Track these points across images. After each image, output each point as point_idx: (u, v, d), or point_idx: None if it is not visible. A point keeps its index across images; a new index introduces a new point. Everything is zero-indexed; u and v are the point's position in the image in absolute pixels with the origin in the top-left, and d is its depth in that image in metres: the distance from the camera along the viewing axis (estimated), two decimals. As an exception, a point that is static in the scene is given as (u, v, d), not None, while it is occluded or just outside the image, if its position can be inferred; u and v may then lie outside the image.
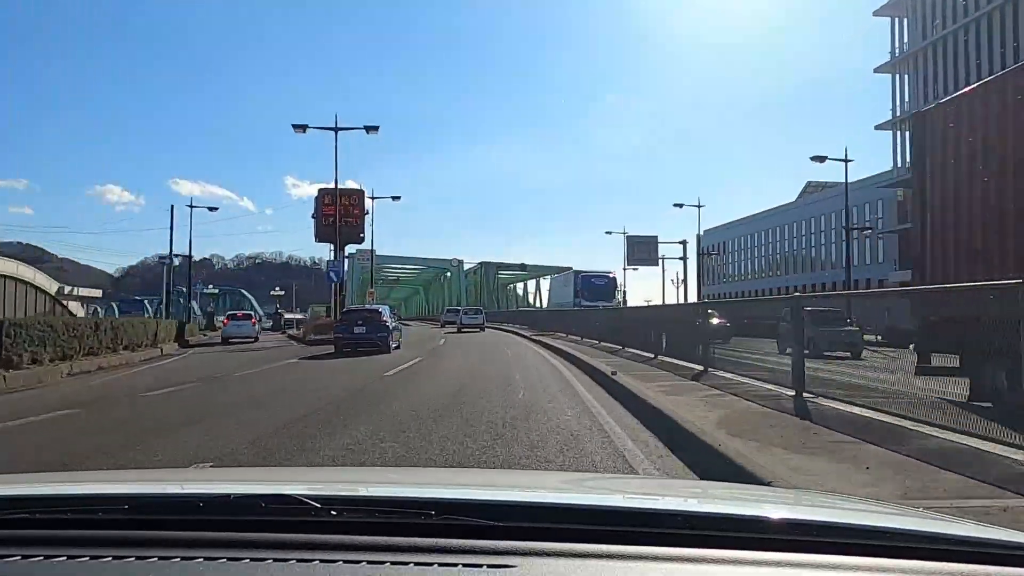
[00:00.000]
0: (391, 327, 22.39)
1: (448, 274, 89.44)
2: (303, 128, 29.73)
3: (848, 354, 11.06)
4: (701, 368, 11.58)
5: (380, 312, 23.10)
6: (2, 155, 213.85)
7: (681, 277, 58.01)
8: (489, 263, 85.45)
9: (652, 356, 15.30)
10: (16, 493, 1.42)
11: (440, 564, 1.03)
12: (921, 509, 1.84)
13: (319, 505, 1.17)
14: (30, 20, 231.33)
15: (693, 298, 50.05)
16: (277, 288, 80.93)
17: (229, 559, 1.05)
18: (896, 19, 46.42)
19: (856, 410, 6.85)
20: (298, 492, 1.24)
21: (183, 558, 1.06)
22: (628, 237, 58.95)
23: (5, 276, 40.05)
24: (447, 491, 1.52)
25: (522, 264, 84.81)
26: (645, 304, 43.18)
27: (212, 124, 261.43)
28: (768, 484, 4.13)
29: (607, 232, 63.53)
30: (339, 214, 34.34)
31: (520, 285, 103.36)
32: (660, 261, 61.40)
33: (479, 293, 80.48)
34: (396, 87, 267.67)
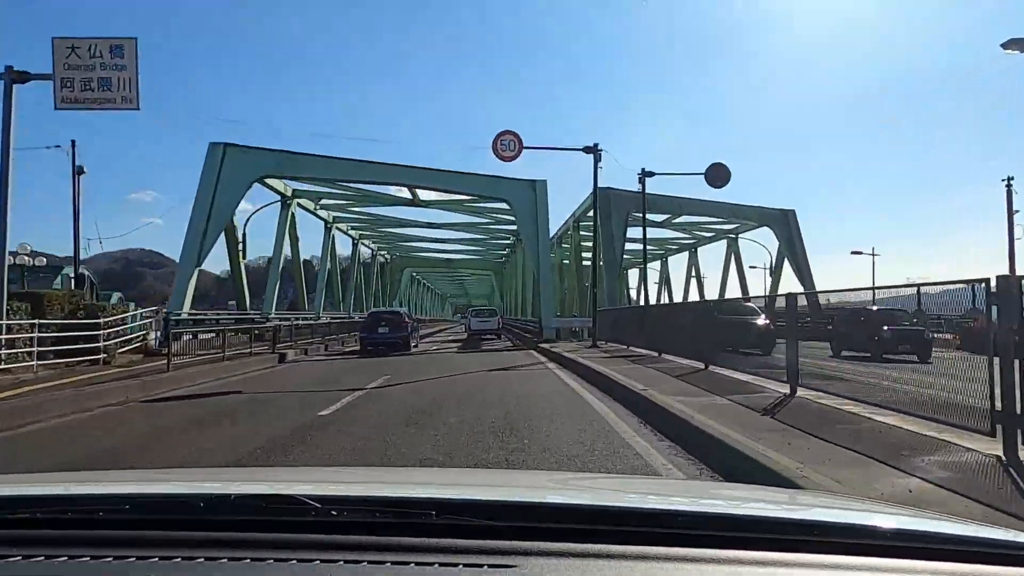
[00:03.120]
0: (410, 328, 24.92)
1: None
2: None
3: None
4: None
5: (401, 314, 25.74)
6: (136, 171, 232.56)
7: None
8: (614, 191, 30.81)
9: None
10: (17, 493, 1.43)
11: (441, 564, 1.03)
12: (922, 509, 1.77)
13: (319, 505, 1.17)
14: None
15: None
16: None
17: (230, 559, 1.06)
18: None
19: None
20: (299, 492, 1.24)
21: (184, 558, 1.06)
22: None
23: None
24: (447, 491, 1.52)
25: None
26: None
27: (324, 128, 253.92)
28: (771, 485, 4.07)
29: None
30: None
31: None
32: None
33: (577, 277, 37.91)
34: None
